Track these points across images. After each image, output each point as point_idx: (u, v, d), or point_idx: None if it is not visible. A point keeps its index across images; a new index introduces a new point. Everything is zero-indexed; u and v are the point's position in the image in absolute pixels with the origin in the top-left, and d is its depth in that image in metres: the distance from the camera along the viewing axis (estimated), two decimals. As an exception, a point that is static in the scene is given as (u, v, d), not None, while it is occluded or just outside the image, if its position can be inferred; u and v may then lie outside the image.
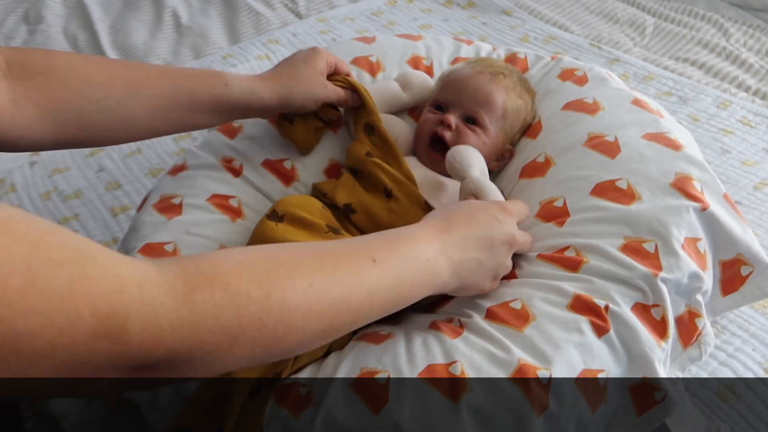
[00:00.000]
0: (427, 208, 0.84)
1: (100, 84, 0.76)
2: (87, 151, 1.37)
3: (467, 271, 0.69)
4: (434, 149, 0.90)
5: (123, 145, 1.37)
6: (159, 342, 0.44)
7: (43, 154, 1.36)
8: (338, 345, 0.75)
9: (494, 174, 0.93)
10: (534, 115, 0.97)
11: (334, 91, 0.91)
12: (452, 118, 0.89)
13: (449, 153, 0.84)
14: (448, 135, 0.89)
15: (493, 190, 0.82)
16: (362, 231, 0.83)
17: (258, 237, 0.78)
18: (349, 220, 0.84)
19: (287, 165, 0.97)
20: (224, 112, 0.85)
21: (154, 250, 0.83)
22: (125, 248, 0.87)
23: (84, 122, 0.75)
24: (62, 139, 0.75)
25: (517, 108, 0.93)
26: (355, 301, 0.56)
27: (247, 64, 1.57)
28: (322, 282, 0.53)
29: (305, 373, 0.70)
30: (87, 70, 0.76)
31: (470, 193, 0.81)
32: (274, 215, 0.79)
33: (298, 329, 0.52)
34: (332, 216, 0.83)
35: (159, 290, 0.45)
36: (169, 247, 0.84)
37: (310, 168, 0.98)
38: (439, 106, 0.92)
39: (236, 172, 0.95)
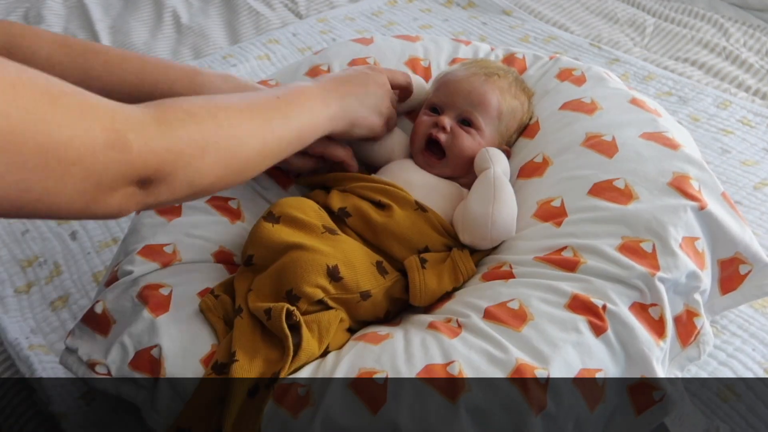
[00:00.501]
0: (420, 208, 0.84)
1: (67, 63, 0.79)
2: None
3: (349, 110, 0.83)
4: (429, 151, 0.90)
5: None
6: (152, 152, 0.57)
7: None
8: (336, 345, 0.75)
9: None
10: (531, 115, 0.97)
11: None
12: (447, 120, 0.89)
13: (484, 149, 0.88)
14: (443, 137, 0.89)
15: (507, 188, 0.83)
16: (358, 234, 0.83)
17: (255, 238, 0.78)
18: (345, 223, 0.84)
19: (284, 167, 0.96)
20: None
21: (153, 251, 0.83)
22: (125, 249, 0.87)
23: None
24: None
25: (513, 109, 0.93)
26: (277, 133, 0.72)
27: (247, 64, 1.57)
28: (250, 118, 0.69)
29: (304, 373, 0.70)
30: (104, 56, 0.82)
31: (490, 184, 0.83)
32: (271, 216, 0.79)
33: (238, 142, 0.67)
34: (328, 217, 0.83)
35: (143, 114, 0.58)
36: (168, 249, 0.84)
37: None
38: (434, 108, 0.93)
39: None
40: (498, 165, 0.85)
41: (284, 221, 0.78)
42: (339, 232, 0.81)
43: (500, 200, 0.82)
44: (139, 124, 0.57)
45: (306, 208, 0.81)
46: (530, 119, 0.97)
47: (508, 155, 0.94)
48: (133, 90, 0.81)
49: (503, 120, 0.92)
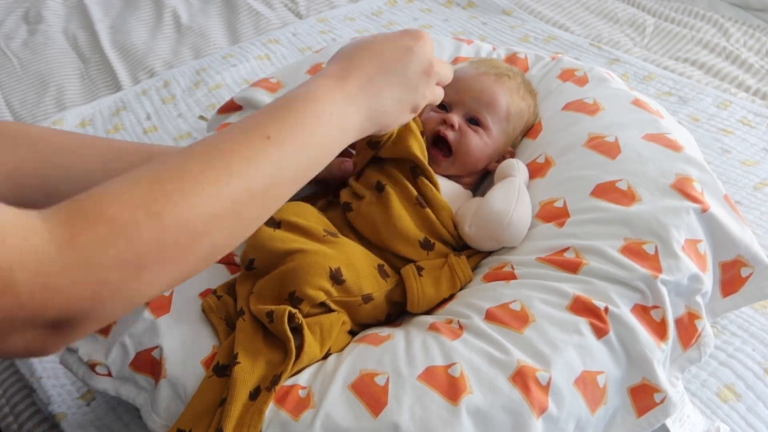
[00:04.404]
0: (418, 204, 0.83)
1: (72, 153, 0.71)
2: (87, 151, 1.36)
3: (382, 112, 0.65)
4: (436, 149, 0.90)
5: (123, 146, 1.37)
6: (53, 291, 0.43)
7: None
8: (338, 347, 0.75)
9: (492, 174, 0.92)
10: (536, 116, 0.97)
11: None
12: (455, 118, 0.89)
13: (513, 159, 0.89)
14: (450, 135, 0.88)
15: (528, 199, 0.83)
16: (359, 230, 0.83)
17: (256, 243, 0.78)
18: (347, 225, 0.84)
19: None
20: None
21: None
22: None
23: (49, 189, 0.69)
24: (22, 203, 0.72)
25: (520, 110, 0.93)
26: (259, 187, 0.54)
27: (247, 64, 1.57)
28: (216, 181, 0.51)
29: (305, 375, 0.70)
30: (59, 140, 0.71)
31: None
32: (272, 221, 0.79)
33: (205, 234, 0.50)
34: (328, 221, 0.83)
35: (41, 239, 0.43)
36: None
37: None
38: (443, 105, 0.92)
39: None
40: (522, 176, 0.86)
41: (285, 226, 0.78)
42: (340, 235, 0.81)
43: (521, 204, 0.82)
44: (34, 256, 0.43)
45: (306, 213, 0.81)
46: (535, 120, 0.97)
47: (512, 156, 0.94)
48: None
49: (511, 121, 0.92)
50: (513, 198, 0.82)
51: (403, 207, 0.83)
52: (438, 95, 0.74)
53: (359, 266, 0.77)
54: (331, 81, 0.63)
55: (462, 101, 0.90)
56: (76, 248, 0.44)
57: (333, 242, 0.78)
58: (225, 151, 0.53)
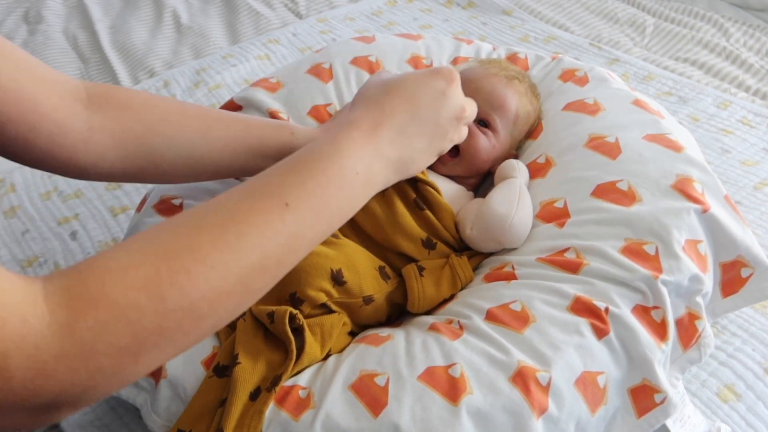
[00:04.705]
0: (417, 206, 0.83)
1: (174, 122, 0.74)
2: (87, 151, 1.36)
3: (409, 162, 0.64)
4: None
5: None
6: (47, 376, 0.42)
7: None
8: (338, 348, 0.75)
9: (492, 176, 0.92)
10: (539, 119, 0.97)
11: None
12: None
13: (514, 160, 0.88)
14: None
15: (529, 201, 0.83)
16: (362, 227, 0.83)
17: None
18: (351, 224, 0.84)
19: None
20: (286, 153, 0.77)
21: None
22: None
23: (154, 156, 0.73)
24: (129, 171, 0.74)
25: (528, 114, 0.93)
26: (272, 259, 0.51)
27: (247, 64, 1.57)
28: (227, 258, 0.48)
29: (305, 376, 0.70)
30: (163, 109, 0.75)
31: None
32: None
33: (208, 315, 0.48)
34: None
35: (41, 323, 0.41)
36: (169, 249, 0.84)
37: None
38: None
39: (236, 174, 0.94)
40: (523, 177, 0.86)
41: None
42: (342, 236, 0.81)
43: (523, 206, 0.82)
44: (31, 339, 0.41)
45: None
46: (538, 123, 0.97)
47: (515, 158, 0.93)
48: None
49: (518, 125, 0.92)
50: (514, 200, 0.82)
51: (404, 207, 0.84)
52: (463, 136, 0.73)
53: (360, 268, 0.77)
54: (361, 135, 0.60)
55: None
56: (75, 334, 0.42)
57: (334, 243, 0.78)
58: (239, 222, 0.50)
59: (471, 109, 0.71)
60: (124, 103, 0.73)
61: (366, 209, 0.83)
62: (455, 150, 0.88)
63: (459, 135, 0.71)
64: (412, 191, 0.85)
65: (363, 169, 0.59)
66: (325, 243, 0.77)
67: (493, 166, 0.92)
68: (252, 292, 0.52)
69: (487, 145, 0.89)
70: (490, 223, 0.81)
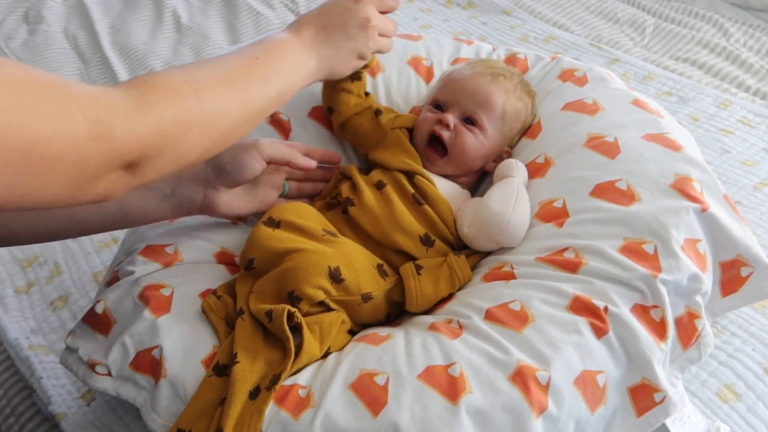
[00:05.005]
0: (415, 201, 0.85)
1: None
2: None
3: (331, 58, 0.80)
4: (432, 148, 0.90)
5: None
6: (137, 137, 0.56)
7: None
8: (337, 346, 0.75)
9: (491, 175, 0.93)
10: (534, 117, 0.97)
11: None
12: (450, 118, 0.89)
13: (512, 159, 0.90)
14: (446, 135, 0.89)
15: (527, 199, 0.84)
16: (360, 225, 0.84)
17: (256, 243, 0.78)
18: (346, 222, 0.85)
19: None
20: (150, 185, 0.72)
21: (155, 252, 0.83)
22: (126, 249, 0.87)
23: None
24: None
25: (517, 110, 0.93)
26: (258, 98, 0.71)
27: (247, 64, 1.57)
28: (231, 98, 0.68)
29: (305, 375, 0.70)
30: None
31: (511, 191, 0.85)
32: (271, 221, 0.79)
33: (221, 111, 0.66)
34: (327, 221, 0.83)
35: (128, 101, 0.57)
36: (170, 249, 0.84)
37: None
38: (439, 105, 0.92)
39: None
40: (521, 176, 0.86)
41: (284, 226, 0.78)
42: (339, 235, 0.81)
43: (520, 205, 0.82)
44: (122, 109, 0.56)
45: (306, 213, 0.81)
46: (533, 120, 0.97)
47: (510, 156, 0.94)
48: None
49: (507, 121, 0.92)
50: (511, 199, 0.82)
51: (403, 204, 0.84)
52: (383, 45, 0.86)
53: (358, 265, 0.77)
54: (289, 34, 0.79)
55: (457, 101, 0.91)
56: (149, 103, 0.58)
57: (332, 241, 0.78)
58: (248, 76, 0.71)
59: (381, 21, 0.85)
60: None
61: (364, 207, 0.83)
62: (443, 149, 0.89)
63: (376, 43, 0.84)
64: (410, 186, 0.86)
65: (298, 58, 0.77)
66: (323, 241, 0.77)
67: (485, 164, 0.92)
68: (250, 120, 0.71)
69: (474, 142, 0.89)
70: (487, 222, 0.82)
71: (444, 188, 0.88)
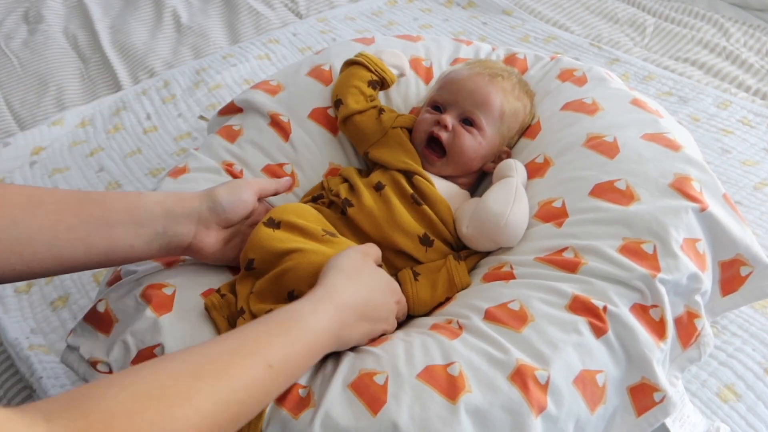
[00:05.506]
0: (414, 201, 0.85)
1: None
2: (87, 150, 1.37)
3: (348, 342, 0.71)
4: (430, 149, 0.90)
5: (123, 145, 1.37)
6: None
7: (43, 153, 1.36)
8: None
9: (490, 175, 0.93)
10: (533, 117, 0.97)
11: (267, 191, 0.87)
12: (448, 119, 0.89)
13: (511, 159, 0.89)
14: (444, 135, 0.89)
15: (526, 199, 0.84)
16: (359, 225, 0.84)
17: (256, 243, 0.78)
18: (345, 222, 0.85)
19: (287, 170, 0.97)
20: (142, 222, 0.74)
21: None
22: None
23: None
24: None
25: (515, 110, 0.93)
26: (247, 410, 0.58)
27: (247, 64, 1.57)
28: (217, 409, 0.54)
29: (305, 375, 0.70)
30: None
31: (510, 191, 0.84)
32: (271, 222, 0.79)
33: None
34: (327, 222, 0.83)
35: None
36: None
37: (309, 173, 0.98)
38: (437, 106, 0.93)
39: (236, 177, 0.95)
40: (520, 176, 0.86)
41: (285, 227, 0.78)
42: (339, 235, 0.81)
43: (518, 205, 0.83)
44: None
45: (306, 213, 0.81)
46: (532, 120, 0.97)
47: (508, 156, 0.94)
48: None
49: (505, 121, 0.92)
50: (510, 199, 0.82)
51: (401, 204, 0.84)
52: (391, 328, 0.78)
53: None
54: (335, 311, 0.67)
55: (455, 102, 0.91)
56: None
57: (331, 242, 0.78)
58: (231, 376, 0.56)
59: (401, 310, 0.79)
60: None
61: (363, 208, 0.84)
62: (442, 150, 0.89)
63: (379, 330, 0.76)
64: (409, 187, 0.86)
65: (327, 344, 0.67)
66: (323, 241, 0.78)
67: (484, 164, 0.92)
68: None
69: (472, 143, 0.89)
70: (485, 221, 0.82)
71: (443, 189, 0.88)
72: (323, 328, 0.66)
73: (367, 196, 0.86)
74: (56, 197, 0.70)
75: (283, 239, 0.77)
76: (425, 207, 0.85)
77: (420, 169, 0.89)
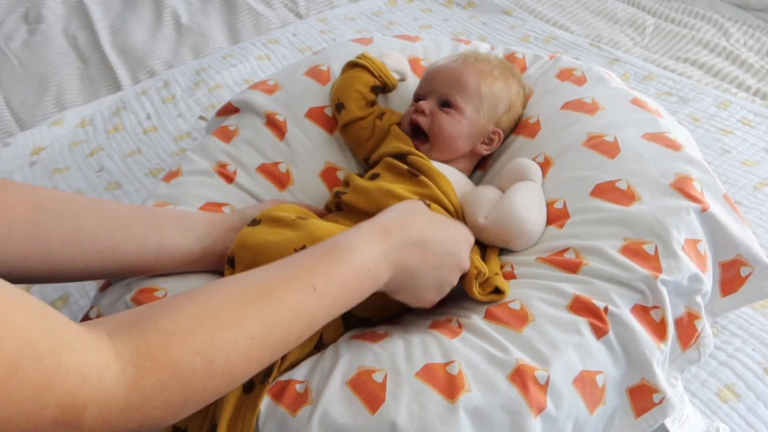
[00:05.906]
0: (411, 174, 0.86)
1: (61, 198, 0.72)
2: (87, 150, 1.37)
3: (407, 275, 0.69)
4: (416, 138, 0.93)
5: (123, 145, 1.37)
6: (109, 425, 0.48)
7: (43, 153, 1.36)
8: (331, 337, 0.75)
9: (488, 164, 0.94)
10: (523, 97, 0.97)
11: None
12: (425, 105, 0.92)
13: (533, 162, 0.88)
14: (422, 120, 0.92)
15: (545, 211, 0.83)
16: (353, 209, 0.84)
17: (237, 241, 0.78)
18: (340, 201, 0.86)
19: (282, 168, 0.97)
20: (187, 225, 0.80)
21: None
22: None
23: (39, 235, 0.69)
24: (10, 257, 0.68)
25: (496, 90, 0.94)
26: (294, 333, 0.59)
27: (247, 64, 1.57)
28: (264, 331, 0.56)
29: (302, 370, 0.70)
30: (47, 190, 0.73)
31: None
32: (253, 221, 0.80)
33: (240, 378, 0.56)
34: (308, 211, 0.83)
35: (113, 379, 0.48)
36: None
37: (305, 172, 0.98)
38: (419, 98, 0.95)
39: (229, 179, 0.95)
40: (540, 178, 0.87)
41: (264, 222, 0.79)
42: (314, 217, 0.80)
43: (542, 215, 0.83)
44: (104, 396, 0.47)
45: (287, 208, 0.82)
46: (524, 98, 0.98)
47: (500, 138, 0.94)
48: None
49: (485, 100, 0.93)
50: (536, 207, 0.82)
51: (398, 181, 0.86)
52: (454, 284, 0.76)
53: (326, 236, 0.75)
54: (378, 235, 0.67)
55: (433, 89, 0.94)
56: (140, 391, 0.49)
57: (299, 224, 0.76)
58: (277, 299, 0.58)
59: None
60: (3, 185, 0.69)
61: (356, 189, 0.85)
62: (425, 136, 0.91)
63: (452, 282, 0.74)
64: (403, 165, 0.88)
65: (374, 264, 0.65)
66: (291, 227, 0.77)
67: (474, 145, 0.93)
68: (272, 359, 0.59)
69: (451, 122, 0.91)
70: (510, 222, 0.81)
71: (441, 168, 0.89)
72: (368, 250, 0.65)
73: (361, 181, 0.87)
74: (113, 203, 0.77)
75: (257, 233, 0.77)
76: (423, 177, 0.86)
77: (413, 149, 0.90)
